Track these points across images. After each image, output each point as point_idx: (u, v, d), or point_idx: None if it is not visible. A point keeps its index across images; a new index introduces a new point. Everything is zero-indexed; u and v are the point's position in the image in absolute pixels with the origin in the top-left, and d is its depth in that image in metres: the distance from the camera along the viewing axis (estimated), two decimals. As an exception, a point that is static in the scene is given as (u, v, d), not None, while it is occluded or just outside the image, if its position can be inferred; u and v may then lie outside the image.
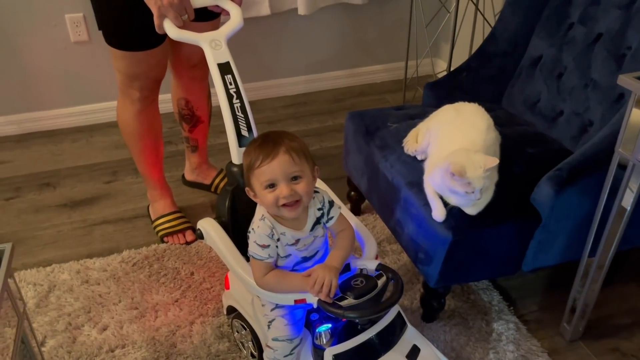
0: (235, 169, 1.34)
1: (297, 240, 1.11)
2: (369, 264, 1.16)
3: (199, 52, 1.35)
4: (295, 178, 1.06)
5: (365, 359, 1.13)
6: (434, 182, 1.24)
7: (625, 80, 1.06)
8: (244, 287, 1.30)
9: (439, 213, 1.26)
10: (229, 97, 1.32)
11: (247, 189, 1.13)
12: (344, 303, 1.06)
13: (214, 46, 1.32)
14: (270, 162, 1.04)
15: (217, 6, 1.41)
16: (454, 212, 1.26)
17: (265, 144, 1.07)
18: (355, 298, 1.06)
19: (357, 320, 1.13)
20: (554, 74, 1.59)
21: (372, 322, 1.15)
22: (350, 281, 1.09)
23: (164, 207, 1.85)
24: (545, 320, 1.51)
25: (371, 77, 2.88)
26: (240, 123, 1.33)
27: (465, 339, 1.43)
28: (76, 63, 2.38)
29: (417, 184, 1.35)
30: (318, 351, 1.14)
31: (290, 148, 1.05)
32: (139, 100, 1.65)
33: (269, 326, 1.17)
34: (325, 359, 1.11)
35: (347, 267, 1.16)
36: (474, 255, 1.31)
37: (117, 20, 1.50)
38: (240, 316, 1.34)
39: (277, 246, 1.10)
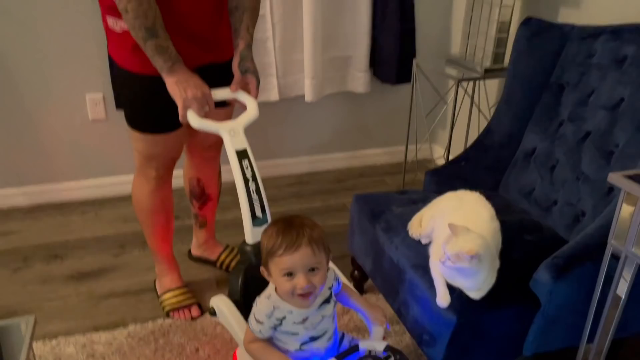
0: (248, 248, 1.40)
1: (305, 319, 1.16)
2: (377, 345, 1.19)
3: (213, 135, 1.46)
4: (312, 269, 1.10)
5: None
6: (440, 267, 1.31)
7: (615, 178, 1.16)
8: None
9: (442, 299, 1.31)
10: (245, 181, 1.41)
11: (262, 268, 1.17)
12: (354, 383, 1.09)
13: (232, 134, 1.43)
14: (292, 254, 1.07)
15: (235, 98, 1.54)
16: (458, 296, 1.31)
17: (288, 231, 1.09)
18: (365, 379, 1.10)
19: (366, 401, 1.16)
20: (547, 166, 1.70)
21: (380, 404, 1.17)
22: (359, 362, 1.13)
23: (170, 281, 1.89)
24: (547, 406, 1.52)
25: (371, 159, 3.01)
26: (254, 204, 1.41)
27: None
28: (90, 139, 2.49)
29: (422, 267, 1.42)
30: None
31: (311, 239, 1.08)
32: (155, 178, 1.73)
33: None
34: None
35: (355, 348, 1.20)
36: (477, 338, 1.35)
37: (140, 105, 1.59)
38: (247, 394, 1.35)
39: (276, 327, 1.14)
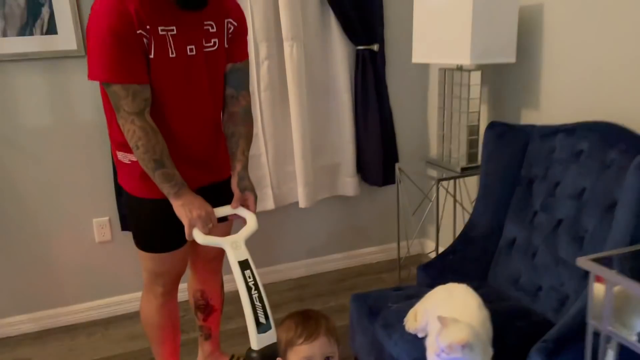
0: (254, 355, 1.47)
1: None
2: None
3: (215, 248, 1.58)
4: (328, 358, 1.21)
5: None
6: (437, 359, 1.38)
7: (583, 262, 1.28)
8: None
9: (442, 390, 1.38)
10: (249, 289, 1.51)
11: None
12: None
13: (234, 247, 1.55)
14: (312, 342, 1.19)
15: (235, 214, 1.69)
16: (457, 386, 1.37)
17: (306, 322, 1.22)
18: None
19: None
20: (528, 253, 1.82)
21: None
22: None
23: (179, 396, 1.91)
24: None
25: (367, 258, 3.12)
26: (258, 312, 1.51)
27: None
28: (97, 261, 2.59)
29: (421, 361, 1.49)
30: None
31: (328, 329, 1.21)
32: (162, 294, 1.82)
33: None
34: None
35: None
36: None
37: (148, 227, 1.73)
38: None
39: None
